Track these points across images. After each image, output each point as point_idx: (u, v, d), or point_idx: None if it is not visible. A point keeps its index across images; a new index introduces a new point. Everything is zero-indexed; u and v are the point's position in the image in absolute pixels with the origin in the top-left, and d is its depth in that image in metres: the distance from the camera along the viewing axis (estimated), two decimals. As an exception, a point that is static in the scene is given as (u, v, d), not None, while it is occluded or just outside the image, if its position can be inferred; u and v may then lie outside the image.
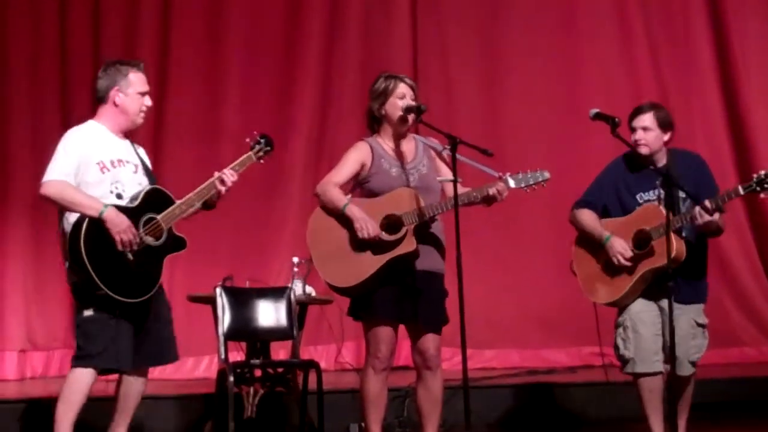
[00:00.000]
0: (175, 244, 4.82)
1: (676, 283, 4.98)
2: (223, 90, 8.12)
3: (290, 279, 6.40)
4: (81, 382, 4.71)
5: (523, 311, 7.98)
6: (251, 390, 5.95)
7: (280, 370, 6.09)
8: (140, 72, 4.88)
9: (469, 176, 5.07)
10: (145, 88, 4.88)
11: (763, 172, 5.00)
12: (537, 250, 8.08)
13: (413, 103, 5.02)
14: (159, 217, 4.74)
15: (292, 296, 6.10)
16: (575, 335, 7.94)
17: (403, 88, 5.04)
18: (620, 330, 5.25)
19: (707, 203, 4.97)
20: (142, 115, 4.88)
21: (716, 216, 5.01)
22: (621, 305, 5.26)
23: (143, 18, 8.12)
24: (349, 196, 5.03)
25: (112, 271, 4.61)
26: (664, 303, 5.02)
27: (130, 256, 4.64)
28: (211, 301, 5.97)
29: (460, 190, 4.90)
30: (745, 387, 6.76)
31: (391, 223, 4.91)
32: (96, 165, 4.73)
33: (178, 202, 4.81)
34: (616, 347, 5.26)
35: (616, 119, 5.05)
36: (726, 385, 6.63)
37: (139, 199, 4.73)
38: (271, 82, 8.21)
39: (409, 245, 4.89)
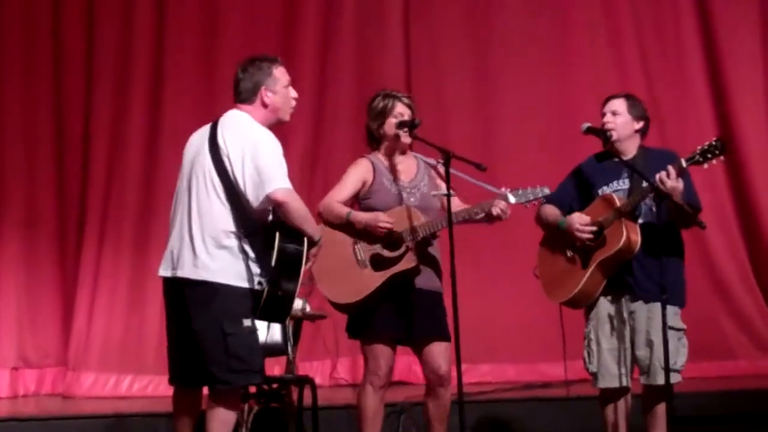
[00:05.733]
0: None
1: (634, 278, 4.91)
2: (219, 102, 8.07)
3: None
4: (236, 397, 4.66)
5: (519, 325, 7.94)
6: (246, 407, 5.94)
7: (275, 386, 6.08)
8: (281, 66, 4.65)
9: (468, 192, 5.06)
10: (289, 79, 4.66)
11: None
12: (532, 263, 8.04)
13: (407, 119, 5.02)
14: None
15: (287, 312, 6.08)
16: (572, 349, 7.91)
17: (400, 108, 5.04)
18: (586, 342, 5.11)
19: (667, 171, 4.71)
20: (291, 110, 4.69)
21: (680, 183, 4.72)
22: (580, 304, 5.09)
23: (137, 31, 8.17)
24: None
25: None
26: (634, 305, 4.95)
27: None
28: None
29: (459, 206, 4.90)
30: (740, 400, 6.74)
31: (391, 240, 4.90)
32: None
33: None
34: (584, 361, 5.13)
35: (608, 133, 5.06)
36: (720, 398, 6.61)
37: None
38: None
39: (409, 262, 4.89)
